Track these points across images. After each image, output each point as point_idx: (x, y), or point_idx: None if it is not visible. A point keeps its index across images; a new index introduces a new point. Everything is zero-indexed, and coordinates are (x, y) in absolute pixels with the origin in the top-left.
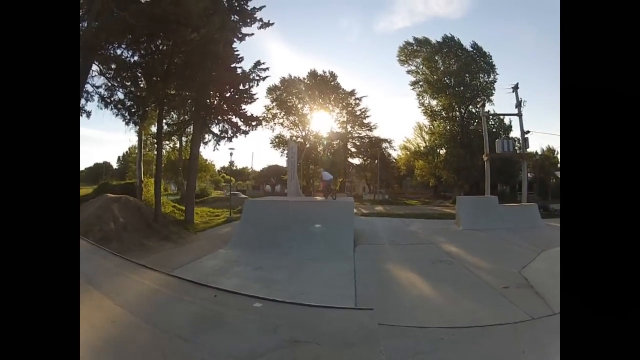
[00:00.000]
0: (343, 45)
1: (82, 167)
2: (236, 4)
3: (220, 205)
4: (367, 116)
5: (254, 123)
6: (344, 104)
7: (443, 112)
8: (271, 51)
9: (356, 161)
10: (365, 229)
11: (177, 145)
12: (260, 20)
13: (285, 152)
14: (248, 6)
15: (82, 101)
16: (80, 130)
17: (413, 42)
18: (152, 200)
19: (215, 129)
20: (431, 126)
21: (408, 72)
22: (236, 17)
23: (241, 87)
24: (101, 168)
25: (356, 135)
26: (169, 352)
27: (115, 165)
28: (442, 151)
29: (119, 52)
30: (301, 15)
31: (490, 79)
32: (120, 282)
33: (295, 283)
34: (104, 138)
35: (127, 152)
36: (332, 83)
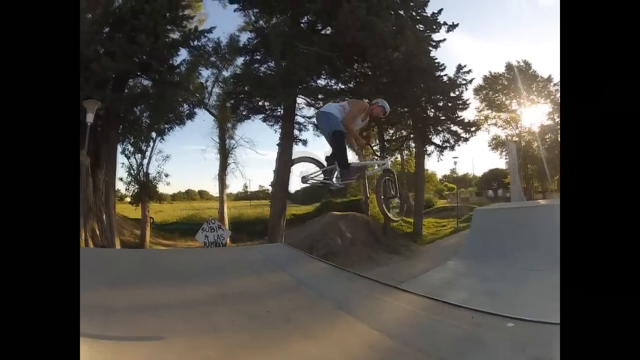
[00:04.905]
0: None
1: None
2: (415, 14)
3: (446, 215)
4: None
5: (472, 129)
6: (545, 92)
7: None
8: (462, 52)
9: None
10: None
11: (399, 159)
12: (445, 23)
13: (504, 153)
14: (426, 13)
15: (296, 132)
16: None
17: None
18: (379, 216)
19: (437, 140)
20: None
21: None
22: (421, 26)
23: (451, 94)
24: (318, 188)
25: None
26: None
27: None
28: None
29: (320, 83)
30: (471, 5)
31: None
32: (372, 305)
33: (518, 295)
34: None
35: None
36: (530, 72)
